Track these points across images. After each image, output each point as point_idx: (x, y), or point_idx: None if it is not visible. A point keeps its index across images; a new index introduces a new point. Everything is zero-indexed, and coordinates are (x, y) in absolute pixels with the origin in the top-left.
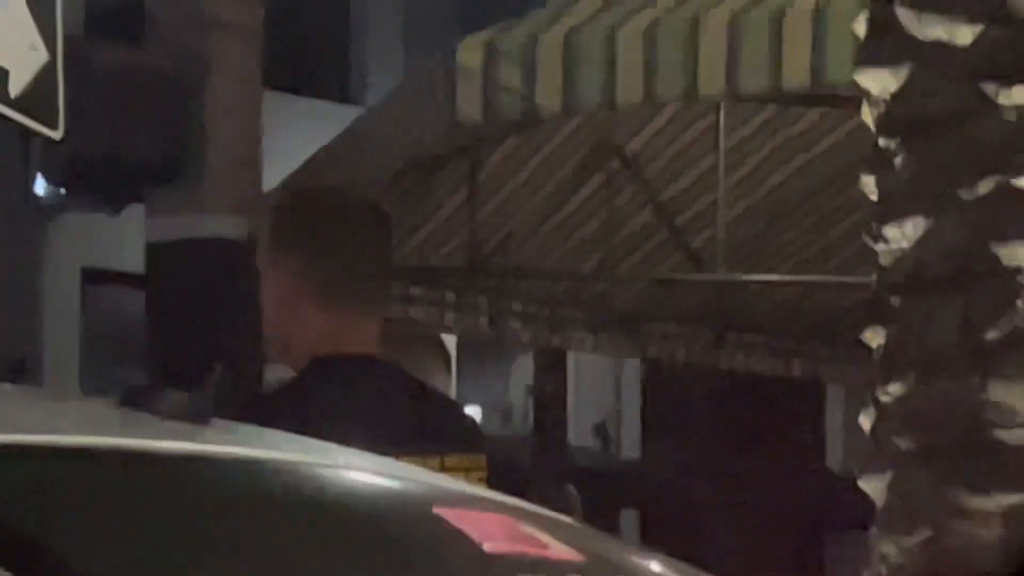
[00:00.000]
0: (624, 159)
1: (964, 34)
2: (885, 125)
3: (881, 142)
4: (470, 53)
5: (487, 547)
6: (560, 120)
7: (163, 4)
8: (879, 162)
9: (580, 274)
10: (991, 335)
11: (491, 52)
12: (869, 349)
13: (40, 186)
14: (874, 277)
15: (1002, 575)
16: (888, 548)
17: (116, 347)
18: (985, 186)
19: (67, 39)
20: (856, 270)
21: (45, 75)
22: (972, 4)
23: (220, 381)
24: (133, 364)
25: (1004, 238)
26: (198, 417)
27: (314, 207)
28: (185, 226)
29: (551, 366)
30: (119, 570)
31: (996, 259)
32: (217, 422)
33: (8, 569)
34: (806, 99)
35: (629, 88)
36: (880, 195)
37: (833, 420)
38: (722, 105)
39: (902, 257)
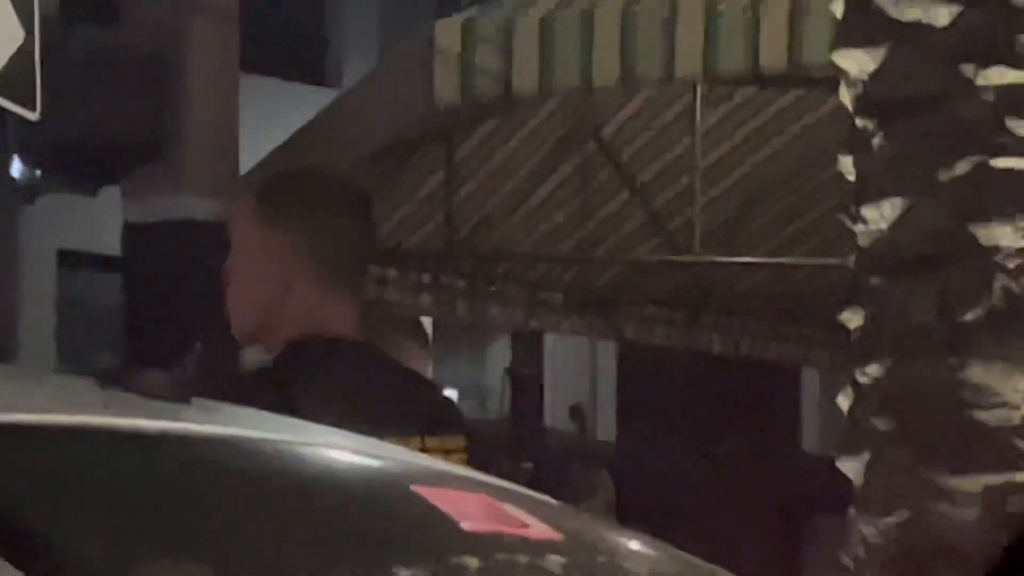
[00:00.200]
0: (600, 142)
1: (942, 15)
2: (863, 106)
3: (859, 123)
4: (447, 35)
5: (465, 525)
6: (537, 103)
7: None
8: (857, 143)
9: (557, 256)
10: (969, 316)
11: (468, 34)
12: (847, 330)
13: (16, 168)
14: (852, 258)
15: (981, 555)
16: (866, 529)
17: (92, 329)
18: (962, 167)
19: (44, 20)
20: (832, 252)
21: (21, 56)
22: None
23: (200, 360)
24: (109, 346)
25: (982, 219)
26: (179, 396)
27: (310, 186)
28: (162, 208)
29: (527, 349)
30: (103, 547)
31: (974, 240)
32: (198, 401)
33: None
34: (783, 80)
35: (606, 69)
36: (858, 176)
37: (809, 402)
38: (698, 87)
39: (880, 238)
